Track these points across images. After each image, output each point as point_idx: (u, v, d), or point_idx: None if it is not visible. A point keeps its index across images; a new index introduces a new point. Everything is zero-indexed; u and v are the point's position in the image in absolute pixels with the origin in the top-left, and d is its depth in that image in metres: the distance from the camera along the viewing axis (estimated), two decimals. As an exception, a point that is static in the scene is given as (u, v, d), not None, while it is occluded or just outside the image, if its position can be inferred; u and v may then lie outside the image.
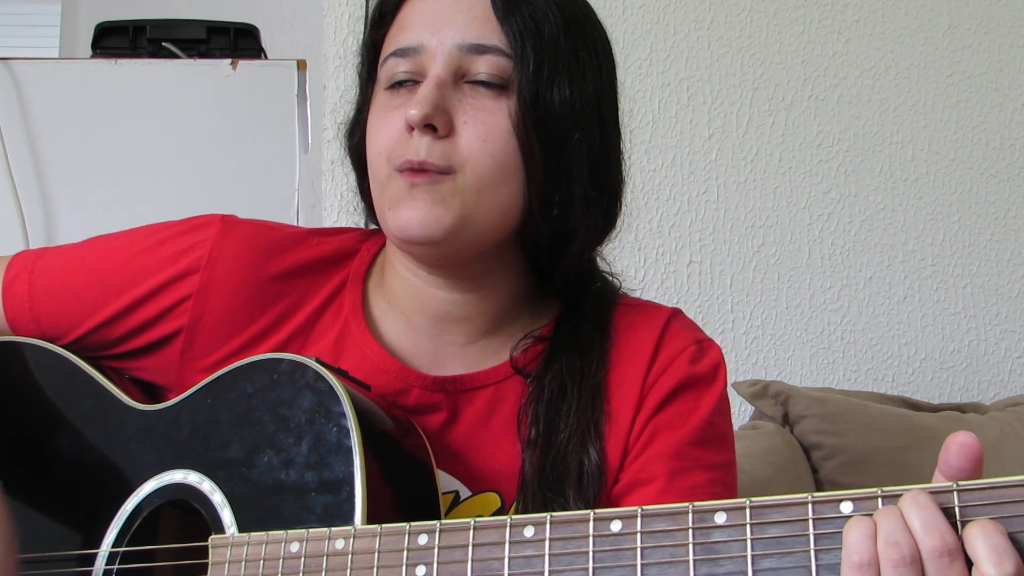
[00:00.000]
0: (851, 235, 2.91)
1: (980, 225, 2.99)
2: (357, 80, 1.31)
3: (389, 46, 1.22)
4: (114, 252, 1.32)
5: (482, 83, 1.18)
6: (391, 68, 1.21)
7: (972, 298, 2.97)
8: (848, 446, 2.42)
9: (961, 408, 2.68)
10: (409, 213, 1.16)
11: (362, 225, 2.48)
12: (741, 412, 2.69)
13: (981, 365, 2.96)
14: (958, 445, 0.85)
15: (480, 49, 1.18)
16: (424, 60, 1.19)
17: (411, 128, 1.16)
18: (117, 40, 2.29)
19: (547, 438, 1.22)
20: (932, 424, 2.53)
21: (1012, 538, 0.81)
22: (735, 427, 2.52)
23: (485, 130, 1.17)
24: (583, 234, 1.26)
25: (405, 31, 1.21)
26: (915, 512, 0.83)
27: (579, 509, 1.16)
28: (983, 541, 0.81)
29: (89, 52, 2.30)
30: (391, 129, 1.19)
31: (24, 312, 1.32)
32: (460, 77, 1.18)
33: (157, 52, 2.28)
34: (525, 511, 1.19)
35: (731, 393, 2.53)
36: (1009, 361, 2.98)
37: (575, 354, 1.26)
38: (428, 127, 1.15)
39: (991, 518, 0.82)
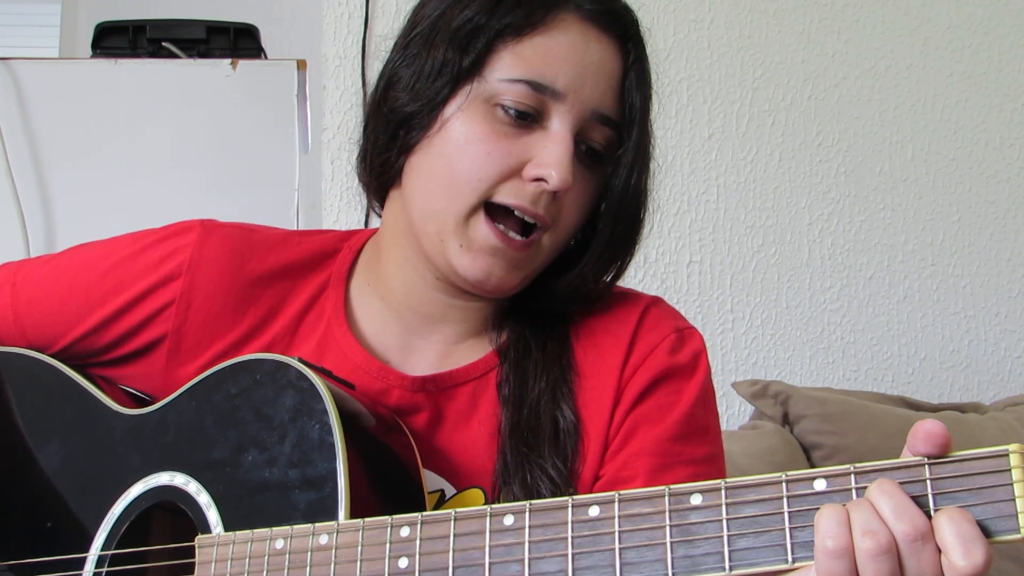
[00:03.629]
0: (851, 235, 2.91)
1: (980, 225, 2.98)
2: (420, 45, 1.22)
3: (520, 67, 1.17)
4: (96, 261, 1.32)
5: (590, 151, 1.20)
6: (518, 95, 1.17)
7: (972, 298, 2.97)
8: (848, 446, 2.42)
9: (961, 408, 2.68)
10: (488, 269, 1.18)
11: (362, 223, 2.50)
12: (741, 412, 2.69)
13: (981, 365, 2.96)
14: (924, 432, 0.85)
15: (605, 120, 1.20)
16: (553, 106, 1.17)
17: (537, 180, 1.16)
18: (117, 40, 2.30)
19: (518, 395, 1.24)
20: (932, 424, 2.52)
21: (982, 525, 0.82)
22: (735, 427, 2.53)
23: (584, 198, 1.21)
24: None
25: (547, 64, 1.17)
26: (884, 500, 0.84)
27: (556, 466, 1.19)
28: (950, 530, 0.82)
29: (89, 52, 2.31)
30: (500, 162, 1.17)
31: (8, 324, 1.33)
32: (575, 136, 1.19)
33: (157, 52, 2.29)
34: (505, 470, 1.20)
35: (731, 393, 2.56)
36: (1009, 361, 2.98)
37: (536, 316, 1.29)
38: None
39: (960, 506, 0.83)
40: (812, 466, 2.43)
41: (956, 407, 2.68)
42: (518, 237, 1.18)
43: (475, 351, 1.29)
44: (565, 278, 1.26)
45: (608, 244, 1.24)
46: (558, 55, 1.18)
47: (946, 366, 2.94)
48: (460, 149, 1.18)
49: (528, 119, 1.17)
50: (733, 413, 2.71)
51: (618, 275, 1.30)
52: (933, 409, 2.64)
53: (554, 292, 1.28)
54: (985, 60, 3.00)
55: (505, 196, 1.16)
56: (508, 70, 1.18)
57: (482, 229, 1.17)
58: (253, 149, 2.27)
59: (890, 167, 2.94)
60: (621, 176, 1.21)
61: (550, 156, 1.16)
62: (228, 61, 2.26)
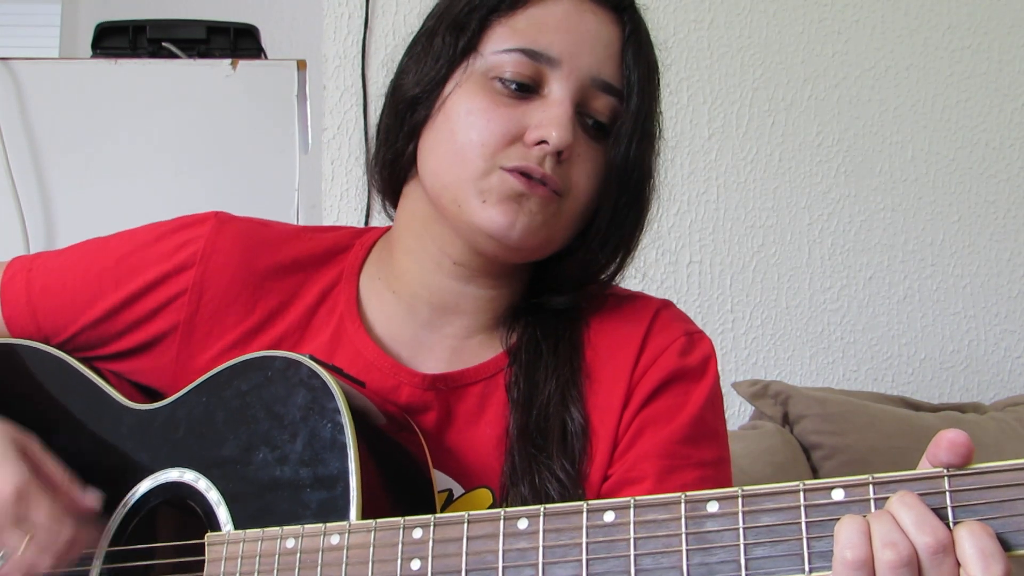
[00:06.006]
0: (851, 235, 2.91)
1: (980, 225, 2.98)
2: (429, 36, 1.26)
3: (515, 38, 1.20)
4: (111, 249, 1.33)
5: (593, 121, 1.21)
6: (514, 64, 1.19)
7: (972, 298, 2.97)
8: (848, 446, 2.42)
9: (961, 408, 2.68)
10: (513, 218, 1.17)
11: (362, 223, 2.50)
12: (741, 412, 2.69)
13: (981, 365, 2.96)
14: (948, 441, 0.85)
15: (605, 87, 1.21)
16: (550, 74, 1.19)
17: (539, 143, 1.16)
18: (117, 40, 2.30)
19: (528, 397, 1.24)
20: (932, 424, 2.52)
21: (1001, 538, 0.81)
22: (735, 427, 2.53)
23: (591, 167, 1.21)
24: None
25: (541, 33, 1.20)
26: (905, 512, 0.83)
27: (564, 467, 1.19)
28: (971, 544, 0.81)
29: (89, 52, 2.31)
30: (500, 127, 1.17)
31: (21, 309, 1.32)
32: (577, 105, 1.19)
33: (157, 52, 2.29)
34: (513, 471, 1.20)
35: (731, 393, 2.56)
36: (1009, 361, 2.98)
37: (548, 318, 1.29)
38: (558, 151, 1.17)
39: (979, 519, 0.82)
40: (812, 466, 2.43)
41: (956, 407, 2.69)
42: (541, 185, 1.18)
43: (486, 350, 1.29)
44: (574, 257, 1.26)
45: (613, 218, 1.24)
46: (551, 24, 1.20)
47: (946, 366, 2.95)
48: (461, 121, 1.19)
49: (526, 90, 1.19)
50: (733, 413, 2.71)
51: (625, 258, 1.30)
52: (933, 409, 2.64)
53: (564, 275, 1.28)
54: (985, 60, 3.00)
55: (511, 160, 1.17)
56: (502, 42, 1.20)
57: (505, 178, 1.17)
58: (253, 149, 2.27)
59: (890, 167, 2.94)
60: (621, 146, 1.21)
61: (548, 118, 1.17)
62: (228, 61, 2.26)
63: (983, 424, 2.58)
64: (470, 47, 1.21)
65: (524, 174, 1.16)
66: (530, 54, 1.19)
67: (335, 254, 1.33)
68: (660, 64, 1.28)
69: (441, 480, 1.22)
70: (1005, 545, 0.82)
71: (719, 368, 1.30)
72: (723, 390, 1.31)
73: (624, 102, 1.22)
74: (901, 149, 2.95)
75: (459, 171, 1.18)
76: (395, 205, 1.33)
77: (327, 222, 2.61)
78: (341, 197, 2.64)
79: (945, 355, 2.95)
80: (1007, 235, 2.99)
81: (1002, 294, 2.98)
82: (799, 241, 2.89)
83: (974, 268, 2.97)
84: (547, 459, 1.20)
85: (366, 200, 2.58)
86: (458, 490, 1.23)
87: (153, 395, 1.31)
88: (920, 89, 2.97)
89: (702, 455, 1.23)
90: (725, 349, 2.82)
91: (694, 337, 1.28)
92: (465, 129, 1.19)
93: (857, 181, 2.92)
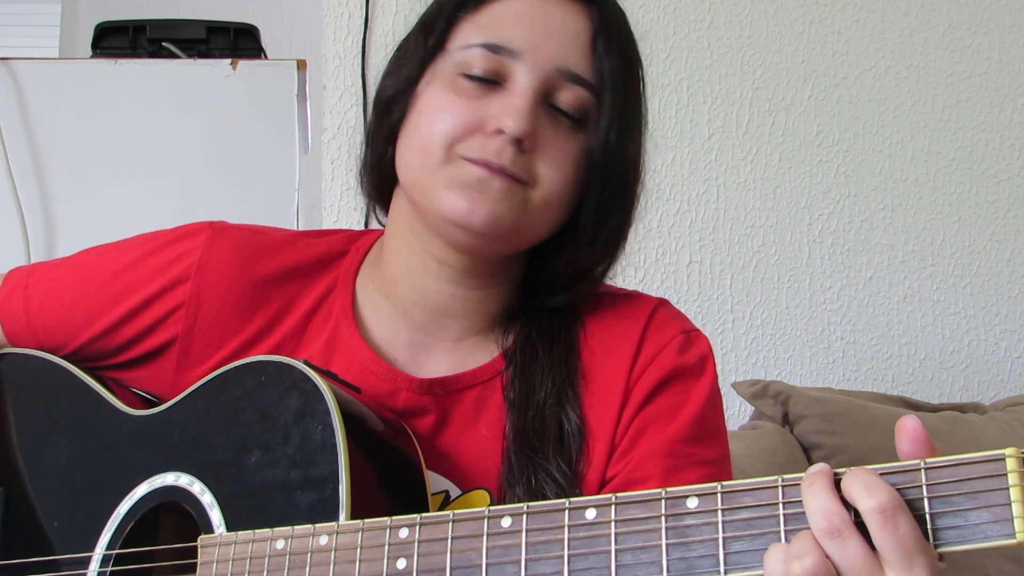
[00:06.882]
0: (851, 235, 2.91)
1: (980, 225, 2.98)
2: (408, 43, 1.28)
3: (478, 34, 1.21)
4: (106, 263, 1.33)
5: (563, 112, 1.21)
6: (476, 59, 1.19)
7: (972, 298, 2.97)
8: (848, 446, 2.42)
9: (961, 408, 2.67)
10: (473, 204, 1.16)
11: (362, 223, 2.50)
12: (741, 412, 2.69)
13: (981, 365, 2.96)
14: (904, 430, 0.86)
15: (573, 78, 1.21)
16: (513, 66, 1.19)
17: (498, 132, 1.17)
18: (117, 40, 2.30)
19: (524, 398, 1.24)
20: (932, 424, 2.52)
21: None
22: (735, 427, 2.53)
23: (562, 158, 1.20)
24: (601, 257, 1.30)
25: (503, 27, 1.20)
26: (809, 498, 0.85)
27: (560, 468, 1.20)
28: (853, 482, 0.83)
29: (89, 52, 2.31)
30: (461, 118, 1.18)
31: (21, 327, 1.33)
32: (544, 96, 1.20)
33: (157, 52, 2.29)
34: (509, 472, 1.21)
35: (731, 393, 2.56)
36: (1009, 361, 2.98)
37: (543, 318, 1.29)
38: (517, 140, 1.17)
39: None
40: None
41: (956, 407, 2.68)
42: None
43: (482, 353, 1.29)
44: (563, 254, 1.26)
45: (598, 211, 1.24)
46: (514, 18, 1.21)
47: (946, 366, 2.94)
48: (426, 116, 1.21)
49: (490, 83, 1.19)
50: (733, 413, 2.71)
51: (615, 253, 1.30)
52: (933, 409, 2.64)
53: (555, 273, 1.28)
54: (985, 60, 3.00)
55: (471, 150, 1.17)
56: (467, 38, 1.21)
57: (464, 166, 1.17)
58: (253, 149, 2.27)
59: (890, 167, 2.94)
60: (599, 139, 1.21)
61: (506, 106, 1.17)
62: (228, 61, 2.26)
63: (983, 424, 2.57)
64: (439, 45, 1.23)
65: (486, 167, 1.17)
66: (492, 48, 1.19)
67: (331, 260, 1.34)
68: (642, 55, 1.28)
69: (438, 482, 1.22)
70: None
71: (719, 368, 1.30)
72: (723, 390, 1.31)
73: (597, 93, 1.21)
74: (901, 149, 2.95)
75: (424, 162, 1.19)
76: (386, 210, 1.33)
77: (327, 222, 2.62)
78: (341, 197, 2.64)
79: (945, 355, 2.95)
80: (1007, 235, 2.99)
81: (1002, 294, 2.98)
82: (799, 241, 2.89)
83: (974, 268, 2.97)
84: (543, 460, 1.20)
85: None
86: (455, 492, 1.23)
87: (152, 402, 1.32)
88: (920, 89, 2.97)
89: (705, 454, 1.23)
90: (725, 349, 2.82)
91: (691, 335, 1.28)
92: (430, 123, 1.20)
93: (857, 181, 2.92)
